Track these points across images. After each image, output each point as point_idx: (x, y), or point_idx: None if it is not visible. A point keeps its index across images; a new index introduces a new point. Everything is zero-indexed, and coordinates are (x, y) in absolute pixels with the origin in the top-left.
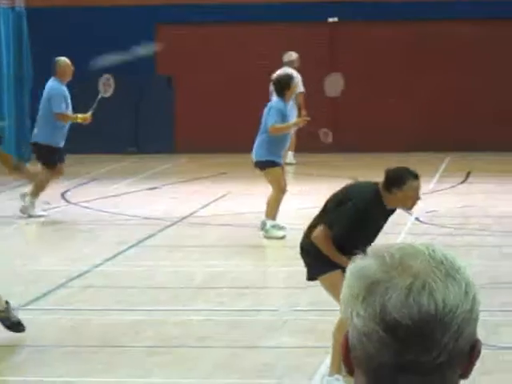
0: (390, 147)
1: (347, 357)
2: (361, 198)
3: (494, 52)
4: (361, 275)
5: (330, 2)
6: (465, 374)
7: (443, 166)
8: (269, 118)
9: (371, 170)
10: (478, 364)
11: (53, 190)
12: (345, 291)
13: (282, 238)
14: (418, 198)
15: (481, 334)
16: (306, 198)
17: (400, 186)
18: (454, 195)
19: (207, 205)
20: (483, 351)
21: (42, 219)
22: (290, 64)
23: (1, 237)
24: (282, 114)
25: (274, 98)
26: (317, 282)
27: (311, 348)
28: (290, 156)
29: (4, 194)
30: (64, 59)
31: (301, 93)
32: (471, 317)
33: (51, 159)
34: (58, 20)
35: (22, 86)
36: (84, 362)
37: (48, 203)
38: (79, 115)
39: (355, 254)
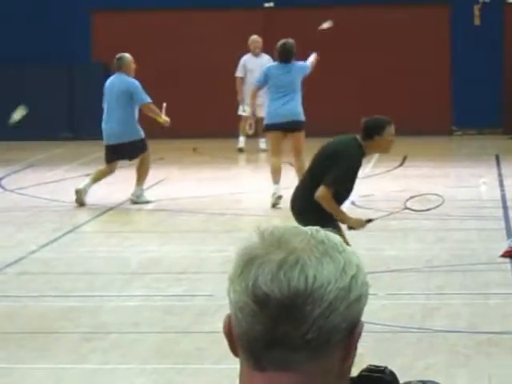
0: (324, 131)
1: (230, 338)
2: (353, 154)
3: (428, 36)
4: (242, 252)
5: None
6: (345, 358)
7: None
8: (298, 75)
9: (307, 154)
10: (414, 348)
11: None
12: (230, 271)
13: None
14: (393, 142)
15: (416, 317)
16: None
17: (380, 133)
18: (391, 179)
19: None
20: (419, 335)
21: None
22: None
23: None
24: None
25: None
26: None
27: None
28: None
29: None
30: (128, 55)
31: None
32: (348, 296)
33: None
34: None
35: None
36: (19, 349)
37: None
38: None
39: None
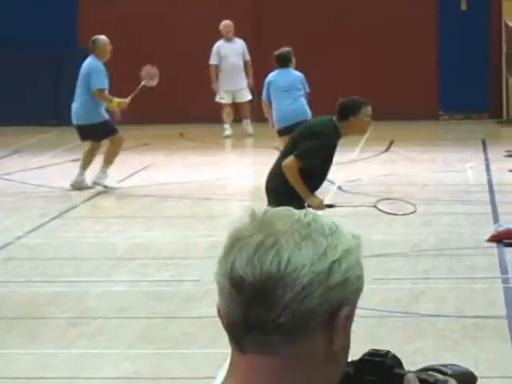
0: (312, 115)
1: (221, 320)
2: (328, 133)
3: (414, 21)
4: (230, 234)
5: None
6: (331, 344)
7: (366, 135)
8: (297, 79)
9: None
10: (401, 332)
11: None
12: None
13: None
14: (369, 124)
15: (403, 302)
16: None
17: (356, 114)
18: (377, 164)
19: (130, 176)
20: (406, 319)
21: None
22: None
23: None
24: None
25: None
26: None
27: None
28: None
29: None
30: (103, 37)
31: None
32: (327, 280)
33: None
34: None
35: None
36: (5, 334)
37: None
38: (116, 99)
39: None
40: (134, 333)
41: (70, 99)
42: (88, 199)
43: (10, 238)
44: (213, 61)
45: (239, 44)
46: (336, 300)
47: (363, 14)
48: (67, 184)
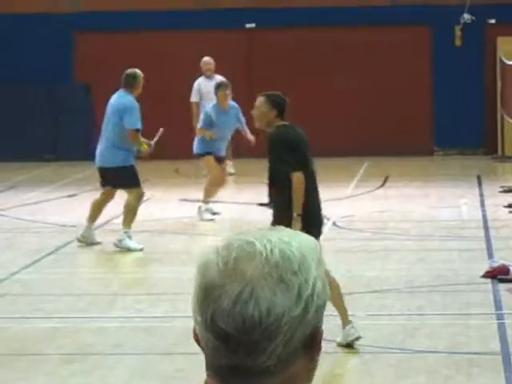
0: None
1: (199, 344)
2: (289, 136)
3: (409, 57)
4: (202, 272)
5: (248, 9)
6: (312, 360)
7: (361, 171)
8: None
9: None
10: (394, 369)
11: None
12: (194, 283)
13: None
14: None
15: (397, 338)
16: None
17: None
18: (372, 200)
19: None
20: (400, 355)
21: None
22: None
23: None
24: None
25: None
26: None
27: None
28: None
29: None
30: (141, 72)
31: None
32: (305, 318)
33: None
34: None
35: None
36: (0, 370)
37: None
38: (143, 140)
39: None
40: (130, 369)
41: (68, 134)
42: None
43: (4, 274)
44: (193, 98)
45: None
46: (313, 326)
47: (358, 50)
48: (62, 220)
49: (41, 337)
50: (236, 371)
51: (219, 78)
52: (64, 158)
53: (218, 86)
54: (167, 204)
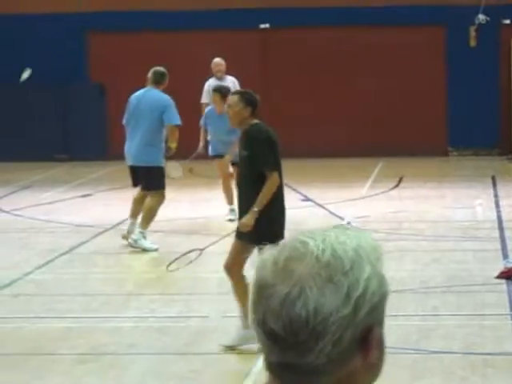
0: (322, 153)
1: None
2: (271, 135)
3: (423, 58)
4: (258, 271)
5: (261, 9)
6: (366, 358)
7: (376, 172)
8: None
9: (305, 176)
10: (409, 370)
11: None
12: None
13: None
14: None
15: (412, 338)
16: None
17: None
18: (387, 200)
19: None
20: (415, 356)
21: None
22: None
23: None
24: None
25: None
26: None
27: (240, 354)
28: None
29: None
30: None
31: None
32: (355, 319)
33: (162, 182)
34: None
35: None
36: (14, 370)
37: None
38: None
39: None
40: (144, 369)
41: (80, 134)
42: (97, 235)
43: (18, 273)
44: (204, 99)
45: (230, 82)
46: (366, 326)
47: (372, 51)
48: (77, 219)
49: (54, 337)
50: (288, 368)
51: (230, 79)
52: (78, 158)
53: (213, 89)
54: (180, 204)
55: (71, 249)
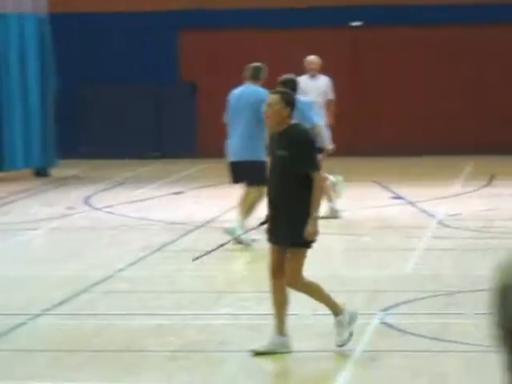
0: (412, 151)
1: None
2: (312, 136)
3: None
4: (501, 274)
5: (353, 7)
6: None
7: (467, 170)
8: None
9: (397, 175)
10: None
11: (77, 195)
12: (496, 274)
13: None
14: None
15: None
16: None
17: None
18: (478, 198)
19: (231, 209)
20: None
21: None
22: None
23: (25, 241)
24: None
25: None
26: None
27: (331, 354)
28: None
29: (31, 198)
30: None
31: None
32: None
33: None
34: (78, 26)
35: (47, 92)
36: (106, 367)
37: (72, 208)
38: None
39: None
40: (235, 367)
41: (173, 132)
42: (188, 232)
43: (110, 270)
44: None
45: (322, 81)
46: None
47: (461, 47)
48: (169, 217)
49: (146, 333)
50: None
51: (323, 78)
52: (170, 156)
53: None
54: None
55: (162, 246)
